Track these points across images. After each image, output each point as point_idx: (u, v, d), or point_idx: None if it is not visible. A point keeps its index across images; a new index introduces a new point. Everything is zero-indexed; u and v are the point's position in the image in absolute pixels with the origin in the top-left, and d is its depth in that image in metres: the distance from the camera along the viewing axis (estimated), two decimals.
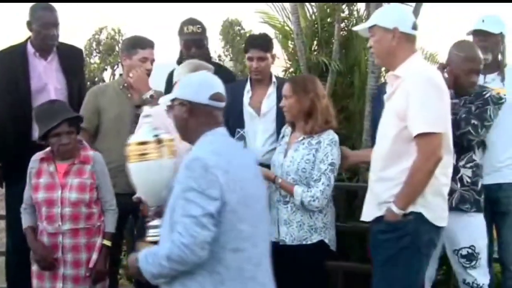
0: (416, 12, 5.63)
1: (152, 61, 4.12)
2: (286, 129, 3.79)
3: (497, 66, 4.09)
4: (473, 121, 3.53)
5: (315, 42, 5.87)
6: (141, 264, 2.56)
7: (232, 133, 4.00)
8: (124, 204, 3.73)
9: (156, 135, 2.88)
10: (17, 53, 4.36)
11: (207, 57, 4.30)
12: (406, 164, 3.03)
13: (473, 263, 3.60)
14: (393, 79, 3.17)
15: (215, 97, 2.65)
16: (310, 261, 3.55)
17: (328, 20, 5.83)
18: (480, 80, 3.93)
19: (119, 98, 4.06)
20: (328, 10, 5.83)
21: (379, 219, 3.18)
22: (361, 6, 5.79)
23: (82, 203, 3.54)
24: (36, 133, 3.72)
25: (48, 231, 3.53)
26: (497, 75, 4.08)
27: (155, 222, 2.90)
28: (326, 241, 3.57)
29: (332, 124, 3.65)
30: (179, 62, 4.35)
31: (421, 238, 3.10)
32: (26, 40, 4.41)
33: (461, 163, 3.60)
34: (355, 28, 3.56)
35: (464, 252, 3.60)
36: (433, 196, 3.09)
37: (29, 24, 4.32)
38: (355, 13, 5.84)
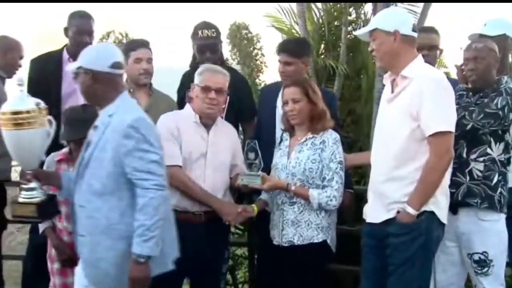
0: (424, 13, 5.64)
1: (148, 59, 4.06)
2: (284, 134, 3.78)
3: (505, 67, 4.04)
4: (470, 108, 3.47)
5: (322, 46, 5.88)
6: (144, 250, 2.76)
7: (265, 135, 3.97)
8: None
9: (37, 104, 2.96)
10: (53, 58, 4.45)
11: (221, 62, 4.27)
12: (418, 163, 3.06)
13: (485, 270, 3.49)
14: (400, 80, 3.18)
15: (116, 65, 2.95)
16: (316, 260, 3.55)
17: (335, 23, 5.84)
18: None
19: None
20: (335, 13, 5.84)
21: (388, 222, 3.17)
22: (368, 9, 5.80)
23: None
24: None
25: (69, 230, 3.54)
26: (507, 77, 4.03)
27: (31, 185, 3.03)
28: (328, 241, 3.57)
29: (332, 122, 3.67)
30: (193, 66, 4.35)
31: (431, 236, 3.14)
32: (63, 47, 4.50)
33: (472, 156, 3.48)
34: (356, 33, 3.53)
35: (476, 257, 3.50)
36: (441, 195, 3.13)
37: (65, 30, 4.42)
38: (362, 16, 5.85)
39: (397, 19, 3.23)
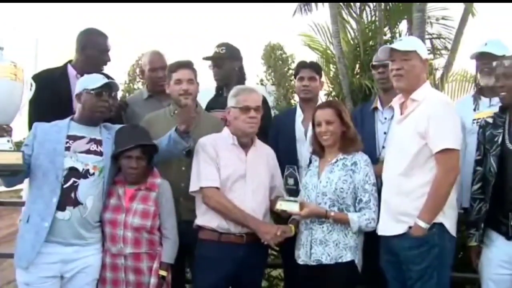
0: (466, 11, 5.62)
1: (189, 80, 4.03)
2: (312, 156, 3.77)
3: None
4: None
5: (357, 66, 5.87)
6: None
7: (284, 159, 3.94)
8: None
9: (13, 62, 3.18)
10: (59, 75, 4.30)
11: (227, 78, 4.47)
12: (425, 179, 3.24)
13: None
14: (409, 102, 3.39)
15: None
16: (344, 279, 3.52)
17: (370, 43, 5.82)
18: (486, 103, 3.97)
19: (170, 126, 3.99)
20: (370, 33, 5.83)
21: (401, 236, 3.29)
22: (403, 28, 5.79)
23: (143, 229, 3.55)
24: None
25: (112, 252, 3.56)
26: None
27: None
28: (356, 261, 3.53)
29: (362, 144, 3.68)
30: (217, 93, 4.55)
31: (446, 248, 3.26)
32: (66, 64, 4.38)
33: None
34: (394, 46, 3.52)
35: None
36: (449, 208, 3.27)
37: (83, 48, 4.31)
38: (397, 35, 5.83)
39: (426, 50, 3.51)
